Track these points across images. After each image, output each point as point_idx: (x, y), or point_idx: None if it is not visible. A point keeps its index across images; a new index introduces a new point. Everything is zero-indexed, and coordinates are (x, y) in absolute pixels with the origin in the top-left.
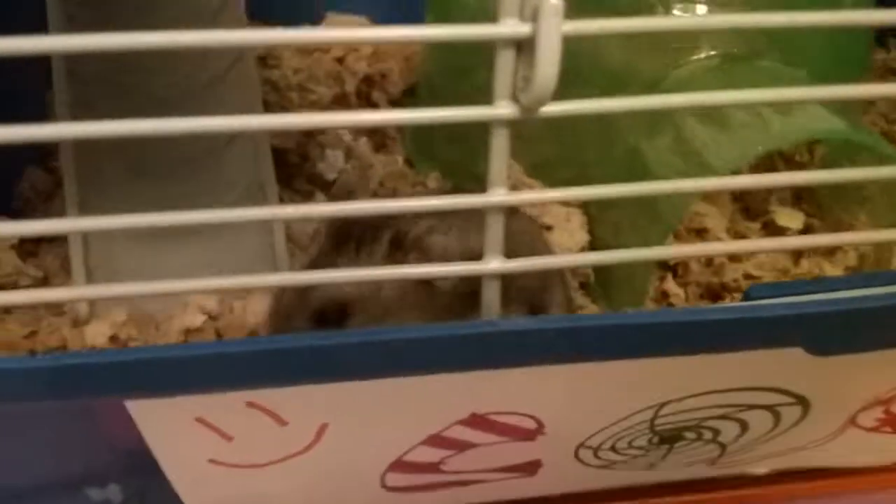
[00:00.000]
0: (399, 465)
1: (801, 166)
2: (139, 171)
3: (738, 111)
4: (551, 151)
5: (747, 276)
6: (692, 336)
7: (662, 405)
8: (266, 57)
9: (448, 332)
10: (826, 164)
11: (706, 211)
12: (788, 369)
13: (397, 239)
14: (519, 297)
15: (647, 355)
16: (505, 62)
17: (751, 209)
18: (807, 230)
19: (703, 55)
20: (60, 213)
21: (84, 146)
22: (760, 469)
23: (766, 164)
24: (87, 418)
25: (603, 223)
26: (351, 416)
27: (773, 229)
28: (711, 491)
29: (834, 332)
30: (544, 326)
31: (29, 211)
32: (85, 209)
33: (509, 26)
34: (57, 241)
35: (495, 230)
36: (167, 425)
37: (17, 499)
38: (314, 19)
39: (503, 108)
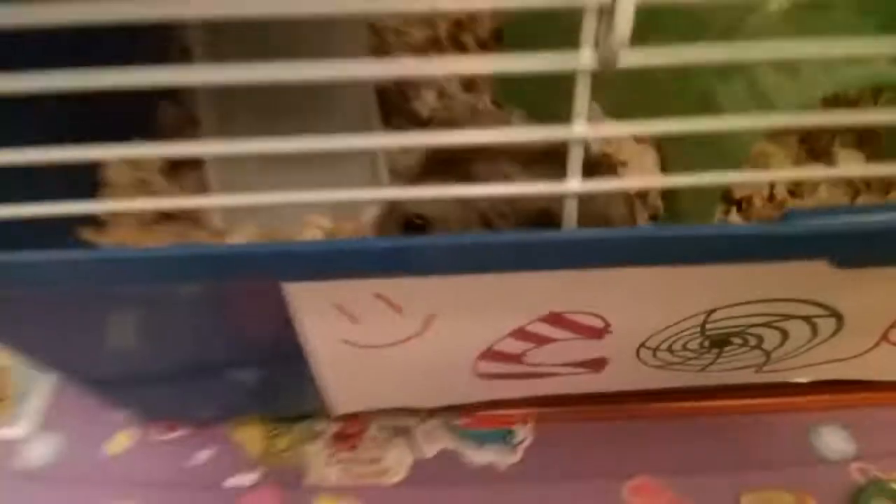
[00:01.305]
0: (489, 354)
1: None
2: (264, 107)
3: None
4: (627, 96)
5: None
6: (731, 247)
7: (712, 311)
8: None
9: (536, 238)
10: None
11: (772, 151)
12: (817, 281)
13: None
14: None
15: (695, 263)
16: (590, 15)
17: (815, 150)
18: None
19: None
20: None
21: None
22: (802, 378)
23: (833, 109)
24: (248, 303)
25: (675, 162)
26: (453, 308)
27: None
28: (758, 397)
29: (852, 247)
30: (614, 235)
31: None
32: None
33: None
34: (194, 168)
35: (576, 159)
36: (314, 309)
37: (171, 379)
38: None
39: (586, 59)
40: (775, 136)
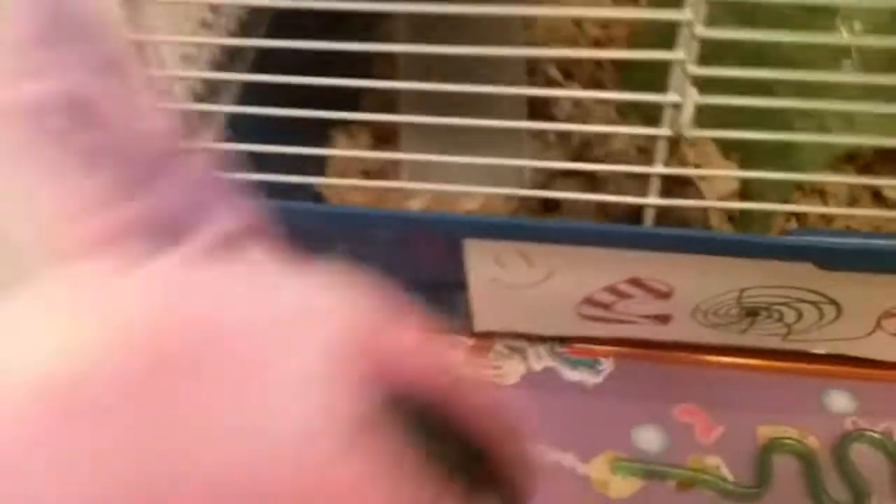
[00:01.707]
0: (589, 300)
1: None
2: (446, 111)
3: None
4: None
5: (848, 228)
6: (751, 247)
7: (744, 290)
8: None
9: (627, 230)
10: None
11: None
12: (813, 276)
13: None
14: None
15: (730, 255)
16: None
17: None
18: None
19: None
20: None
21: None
22: (818, 350)
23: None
24: (438, 248)
25: (752, 181)
26: (567, 267)
27: (881, 198)
28: (783, 360)
29: (832, 256)
30: (682, 233)
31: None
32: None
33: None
34: (393, 148)
35: (655, 183)
36: (479, 257)
37: None
38: None
39: (664, 131)
40: (833, 165)
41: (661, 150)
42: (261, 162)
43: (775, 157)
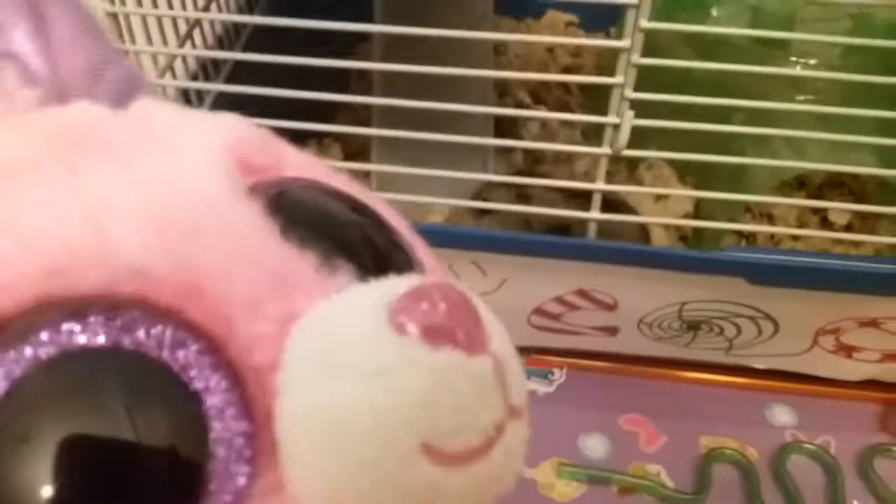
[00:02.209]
0: (539, 311)
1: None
2: (419, 125)
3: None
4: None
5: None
6: (685, 262)
7: (684, 303)
8: (498, 45)
9: (574, 242)
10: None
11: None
12: (746, 291)
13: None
14: None
15: (668, 268)
16: (608, 128)
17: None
18: (849, 227)
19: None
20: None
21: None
22: (760, 364)
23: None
24: None
25: (705, 203)
26: (518, 276)
27: (828, 224)
28: (727, 374)
29: (761, 271)
30: (622, 246)
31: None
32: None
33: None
34: (363, 161)
35: (596, 201)
36: None
37: None
38: (539, 13)
39: (605, 149)
40: (783, 190)
41: (603, 167)
42: None
43: (727, 182)
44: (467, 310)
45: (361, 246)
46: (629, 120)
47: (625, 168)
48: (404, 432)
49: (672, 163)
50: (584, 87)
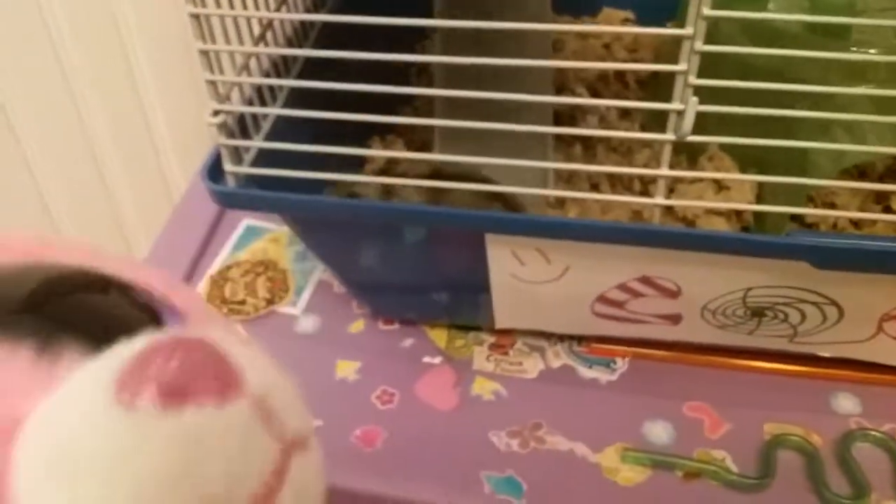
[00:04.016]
0: (602, 299)
1: None
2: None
3: None
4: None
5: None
6: (751, 246)
7: (749, 290)
8: (556, 41)
9: (637, 228)
10: None
11: (840, 191)
12: (811, 276)
13: None
14: None
15: (733, 253)
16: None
17: (879, 194)
18: None
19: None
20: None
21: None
22: (824, 353)
23: None
24: (461, 246)
25: (766, 191)
26: (581, 263)
27: (890, 211)
28: (791, 363)
29: (826, 255)
30: (686, 231)
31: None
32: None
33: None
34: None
35: (661, 186)
36: (499, 252)
37: (396, 291)
38: (594, 12)
39: (669, 135)
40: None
41: (667, 153)
42: (301, 163)
43: (788, 173)
44: (208, 356)
45: (87, 318)
46: (693, 106)
47: (685, 161)
48: None
49: (733, 154)
50: (641, 83)
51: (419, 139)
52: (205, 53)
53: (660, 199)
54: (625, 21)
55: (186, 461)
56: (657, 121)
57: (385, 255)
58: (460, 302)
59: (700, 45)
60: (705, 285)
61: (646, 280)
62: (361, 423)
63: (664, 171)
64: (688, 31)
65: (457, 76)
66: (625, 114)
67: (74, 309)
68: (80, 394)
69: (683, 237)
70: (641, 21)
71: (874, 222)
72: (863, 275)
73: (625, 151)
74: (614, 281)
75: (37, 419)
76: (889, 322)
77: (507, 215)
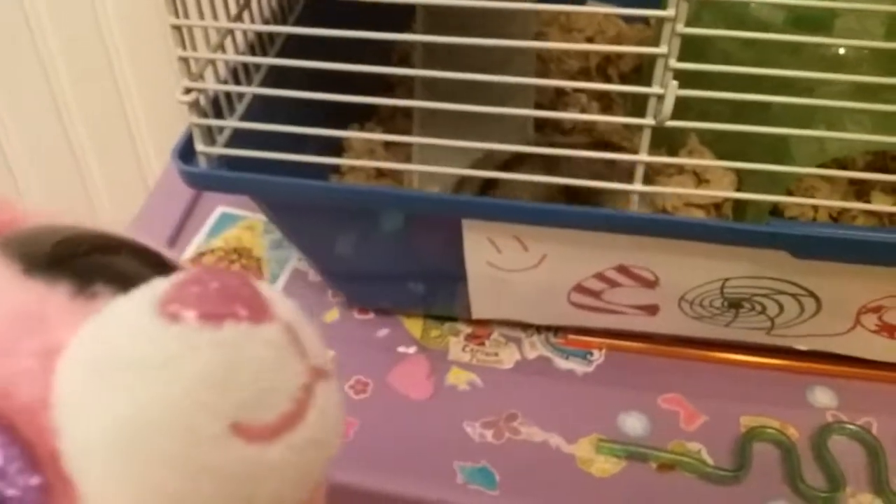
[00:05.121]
0: (579, 288)
1: None
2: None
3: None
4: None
5: None
6: (730, 234)
7: (726, 280)
8: (538, 33)
9: (614, 214)
10: None
11: (818, 185)
12: (789, 266)
13: None
14: None
15: (711, 241)
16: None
17: (859, 191)
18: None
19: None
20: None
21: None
22: (801, 346)
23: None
24: (437, 234)
25: (746, 184)
26: (559, 251)
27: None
28: (768, 356)
29: (805, 244)
30: (663, 218)
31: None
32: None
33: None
34: (404, 145)
35: (640, 171)
36: (475, 238)
37: (370, 279)
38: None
39: (649, 120)
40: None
41: (646, 139)
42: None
43: (767, 162)
44: (244, 284)
45: (119, 269)
46: (673, 90)
47: (665, 153)
48: (207, 418)
49: (713, 149)
50: (623, 77)
51: (399, 128)
52: (177, 29)
53: (637, 186)
54: (608, 16)
55: (227, 367)
56: (639, 114)
57: (360, 242)
58: (437, 291)
59: (681, 28)
60: (683, 275)
61: (623, 269)
62: None
63: (643, 156)
64: (669, 12)
65: (439, 63)
66: (607, 108)
67: (95, 266)
68: (124, 312)
69: (661, 224)
70: (626, 18)
71: (854, 217)
72: (841, 266)
73: (604, 146)
74: (592, 270)
75: (78, 340)
76: (867, 315)
77: (484, 200)
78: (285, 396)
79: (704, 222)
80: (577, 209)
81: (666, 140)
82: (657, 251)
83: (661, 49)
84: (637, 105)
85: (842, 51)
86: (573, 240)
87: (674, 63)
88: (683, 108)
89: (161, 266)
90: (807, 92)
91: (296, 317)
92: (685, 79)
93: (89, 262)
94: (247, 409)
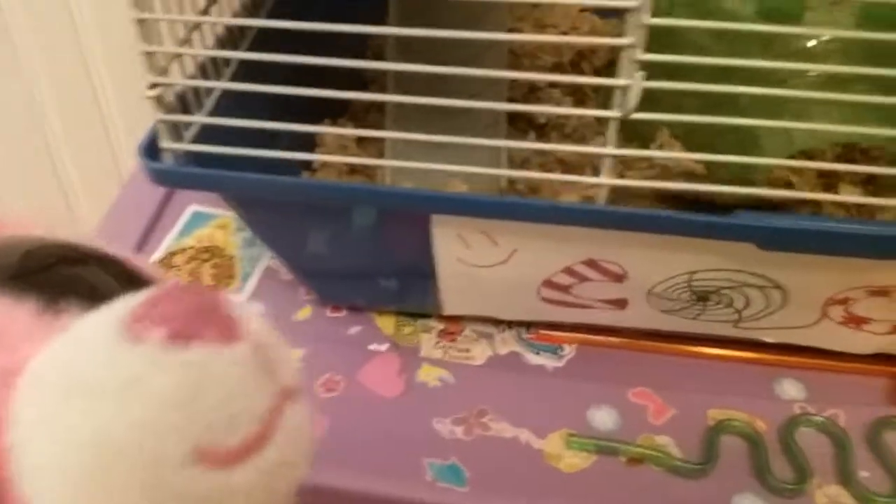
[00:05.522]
0: (549, 283)
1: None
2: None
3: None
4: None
5: None
6: (696, 227)
7: (693, 273)
8: (511, 29)
9: (582, 207)
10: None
11: (789, 178)
12: (757, 258)
13: None
14: None
15: (678, 233)
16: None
17: (827, 184)
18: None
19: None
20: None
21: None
22: (769, 338)
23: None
24: (405, 229)
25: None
26: (528, 246)
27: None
28: (736, 349)
29: (772, 236)
30: (631, 212)
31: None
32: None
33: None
34: (376, 141)
35: (608, 168)
36: (445, 234)
37: (342, 276)
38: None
39: (614, 112)
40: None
41: (613, 131)
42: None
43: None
44: (214, 302)
45: (87, 281)
46: (639, 82)
47: (637, 147)
48: (172, 442)
49: (685, 142)
50: (598, 71)
51: (373, 124)
52: (141, 22)
53: (604, 179)
54: (582, 11)
55: (193, 389)
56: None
57: (331, 240)
58: (408, 288)
59: (647, 19)
60: (651, 268)
61: (592, 263)
62: None
63: (610, 149)
64: (634, 2)
65: (412, 58)
66: (580, 103)
67: (62, 279)
68: (89, 332)
69: (627, 218)
70: (600, 13)
71: (819, 207)
72: (808, 257)
73: (578, 138)
74: (560, 264)
75: (44, 356)
76: (834, 307)
77: (451, 194)
78: (253, 418)
79: (670, 215)
80: (543, 203)
81: (638, 134)
82: (625, 245)
83: (626, 40)
84: (608, 100)
85: (811, 43)
86: (542, 234)
87: (639, 55)
88: (654, 102)
89: (130, 277)
90: (777, 84)
91: (267, 335)
92: (657, 72)
93: (57, 276)
94: (213, 431)
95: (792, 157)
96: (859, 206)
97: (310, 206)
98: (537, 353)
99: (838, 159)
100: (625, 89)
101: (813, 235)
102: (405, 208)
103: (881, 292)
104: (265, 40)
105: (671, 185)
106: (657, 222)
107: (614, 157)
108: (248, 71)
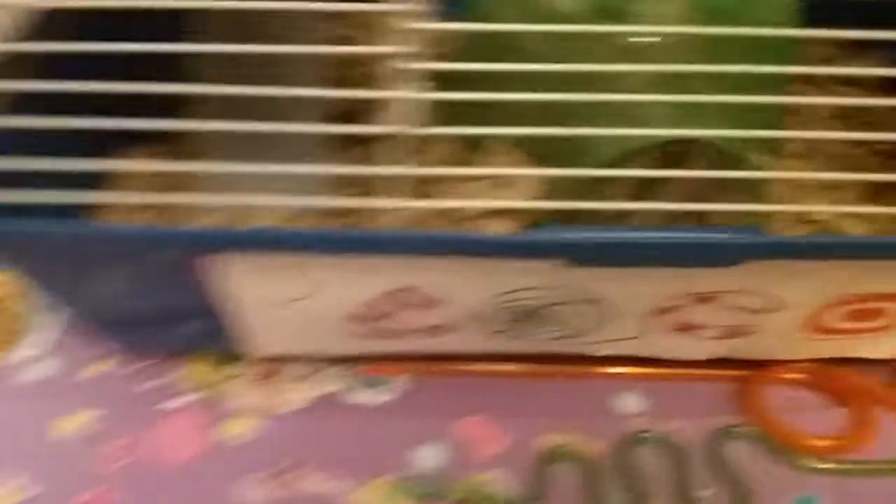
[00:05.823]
0: (355, 316)
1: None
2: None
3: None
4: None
5: None
6: (500, 248)
7: (509, 292)
8: (344, 37)
9: (379, 233)
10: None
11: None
12: (572, 274)
13: None
14: None
15: (482, 256)
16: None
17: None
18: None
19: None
20: None
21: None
22: (605, 352)
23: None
24: (180, 270)
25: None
26: (331, 279)
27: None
28: (569, 365)
29: (581, 251)
30: (430, 236)
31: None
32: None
33: None
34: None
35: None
36: (243, 270)
37: (133, 325)
38: None
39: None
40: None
41: (405, 148)
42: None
43: (571, 161)
44: None
45: None
46: (419, 94)
47: (481, 156)
48: None
49: (525, 149)
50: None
51: (186, 150)
52: None
53: (403, 202)
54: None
55: None
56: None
57: (104, 285)
58: (210, 332)
59: (419, 24)
60: (463, 292)
61: (400, 292)
62: (89, 485)
63: (410, 168)
64: (406, 6)
65: (221, 79)
66: None
67: None
68: None
69: (425, 241)
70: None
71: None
72: (624, 270)
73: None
74: (367, 295)
75: None
76: (662, 316)
77: (219, 230)
78: None
79: (469, 237)
80: (311, 232)
81: (478, 142)
82: (431, 270)
83: (398, 49)
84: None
85: (637, 39)
86: (343, 265)
87: (412, 64)
88: (490, 110)
89: None
90: (607, 83)
91: None
92: (493, 80)
93: None
94: None
95: (626, 156)
96: (686, 213)
97: (74, 253)
98: (363, 390)
99: (668, 157)
100: (402, 103)
101: (627, 247)
102: (178, 247)
103: (708, 298)
104: (40, 64)
105: (494, 203)
106: (456, 245)
107: (409, 176)
108: (21, 101)
